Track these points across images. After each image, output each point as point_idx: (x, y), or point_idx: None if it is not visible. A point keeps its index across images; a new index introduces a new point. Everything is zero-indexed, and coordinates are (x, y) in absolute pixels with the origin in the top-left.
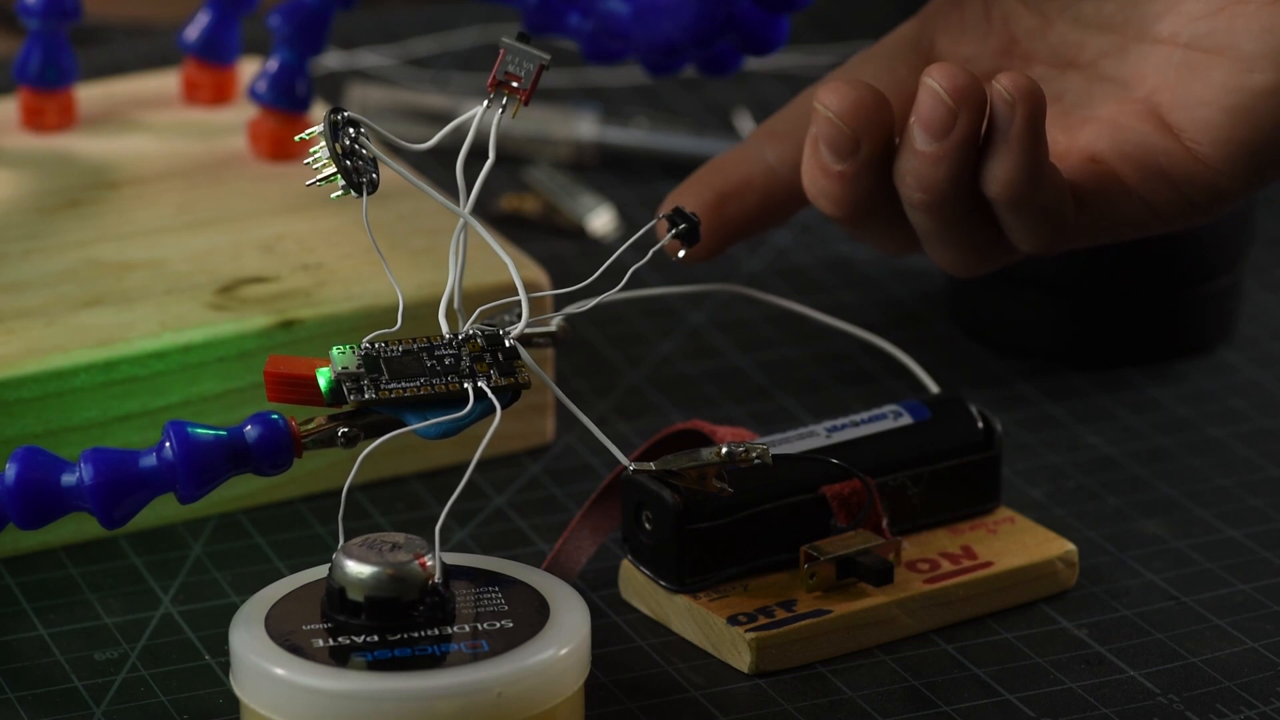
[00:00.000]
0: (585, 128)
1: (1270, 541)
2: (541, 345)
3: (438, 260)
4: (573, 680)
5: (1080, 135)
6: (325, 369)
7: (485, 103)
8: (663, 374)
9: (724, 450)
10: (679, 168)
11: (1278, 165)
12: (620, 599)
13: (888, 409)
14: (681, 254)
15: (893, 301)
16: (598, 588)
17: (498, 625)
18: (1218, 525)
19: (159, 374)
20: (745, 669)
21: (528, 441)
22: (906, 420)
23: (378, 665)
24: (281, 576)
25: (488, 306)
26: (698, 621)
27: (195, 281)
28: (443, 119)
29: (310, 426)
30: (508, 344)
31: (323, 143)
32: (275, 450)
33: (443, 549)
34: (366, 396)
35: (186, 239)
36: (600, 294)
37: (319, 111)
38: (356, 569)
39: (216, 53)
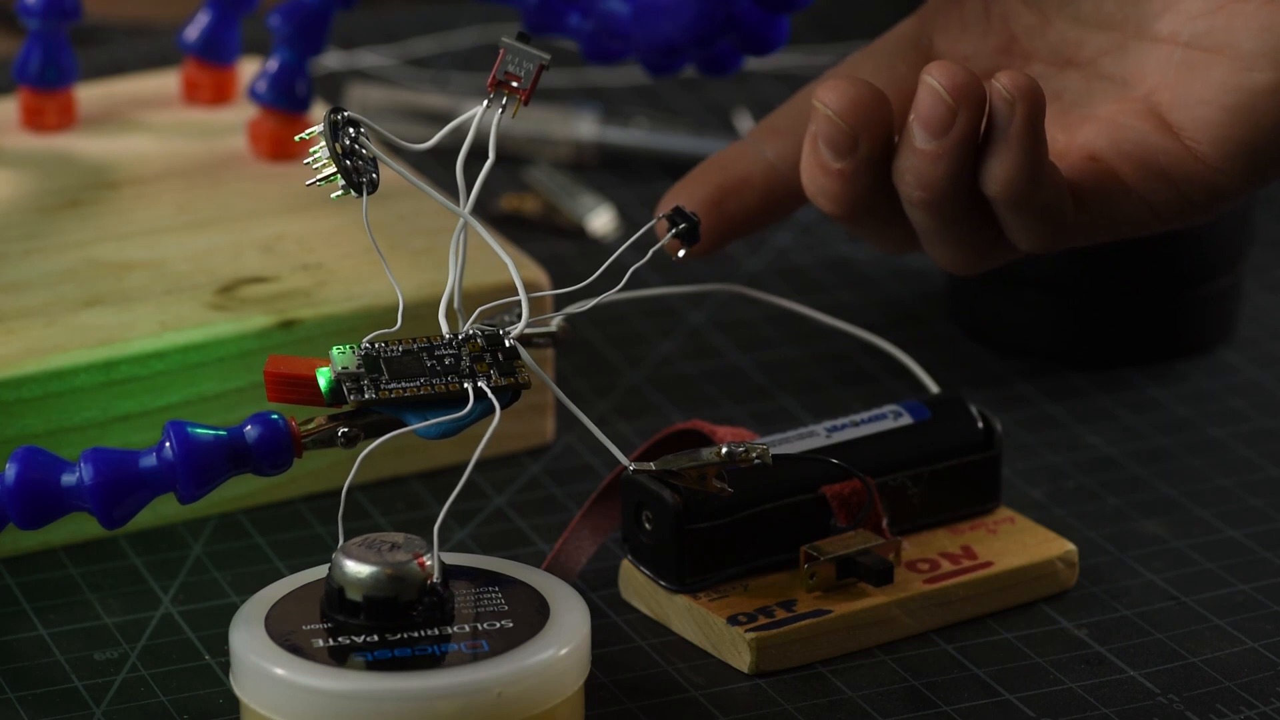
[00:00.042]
0: (585, 128)
1: (1270, 541)
2: (541, 345)
3: (438, 260)
4: (573, 680)
5: (1079, 134)
6: (325, 369)
7: (485, 103)
8: (663, 374)
9: (724, 450)
10: (679, 168)
11: (1277, 164)
12: (620, 599)
13: (888, 409)
14: (681, 254)
15: (893, 301)
16: (598, 588)
17: (498, 625)
18: (1218, 525)
19: (159, 374)
20: (745, 669)
21: (528, 441)
22: (906, 420)
23: (377, 665)
24: (281, 576)
25: (488, 306)
26: (698, 621)
27: (195, 281)
28: (443, 119)
29: (310, 426)
30: (508, 344)
31: (323, 143)
32: (275, 450)
33: (442, 549)
34: (366, 396)
35: (186, 239)
36: (600, 294)
37: (319, 111)
38: (355, 569)
39: (216, 53)
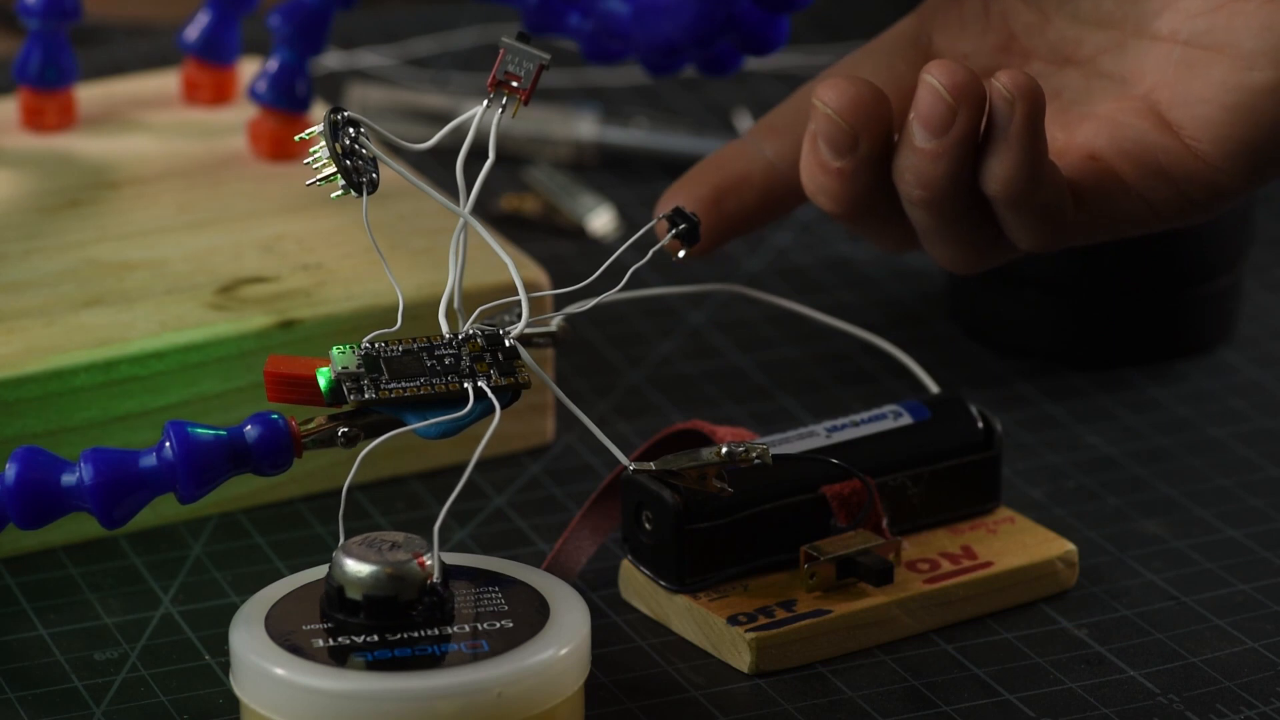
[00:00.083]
0: (585, 128)
1: (1270, 541)
2: (541, 345)
3: (438, 260)
4: (573, 680)
5: (1079, 132)
6: (325, 369)
7: (485, 103)
8: (663, 374)
9: (724, 450)
10: (679, 168)
11: (1277, 163)
12: (620, 599)
13: (888, 409)
14: (681, 254)
15: (893, 301)
16: (598, 588)
17: (498, 625)
18: (1218, 525)
19: (159, 374)
20: (745, 669)
21: (528, 441)
22: (906, 420)
23: (377, 665)
24: (281, 576)
25: (488, 306)
26: (698, 621)
27: (195, 281)
28: (443, 119)
29: (310, 426)
30: (508, 344)
31: (323, 143)
32: (275, 450)
33: (442, 549)
34: (366, 396)
35: (186, 239)
36: (600, 294)
37: (319, 111)
38: (355, 568)
39: (216, 53)
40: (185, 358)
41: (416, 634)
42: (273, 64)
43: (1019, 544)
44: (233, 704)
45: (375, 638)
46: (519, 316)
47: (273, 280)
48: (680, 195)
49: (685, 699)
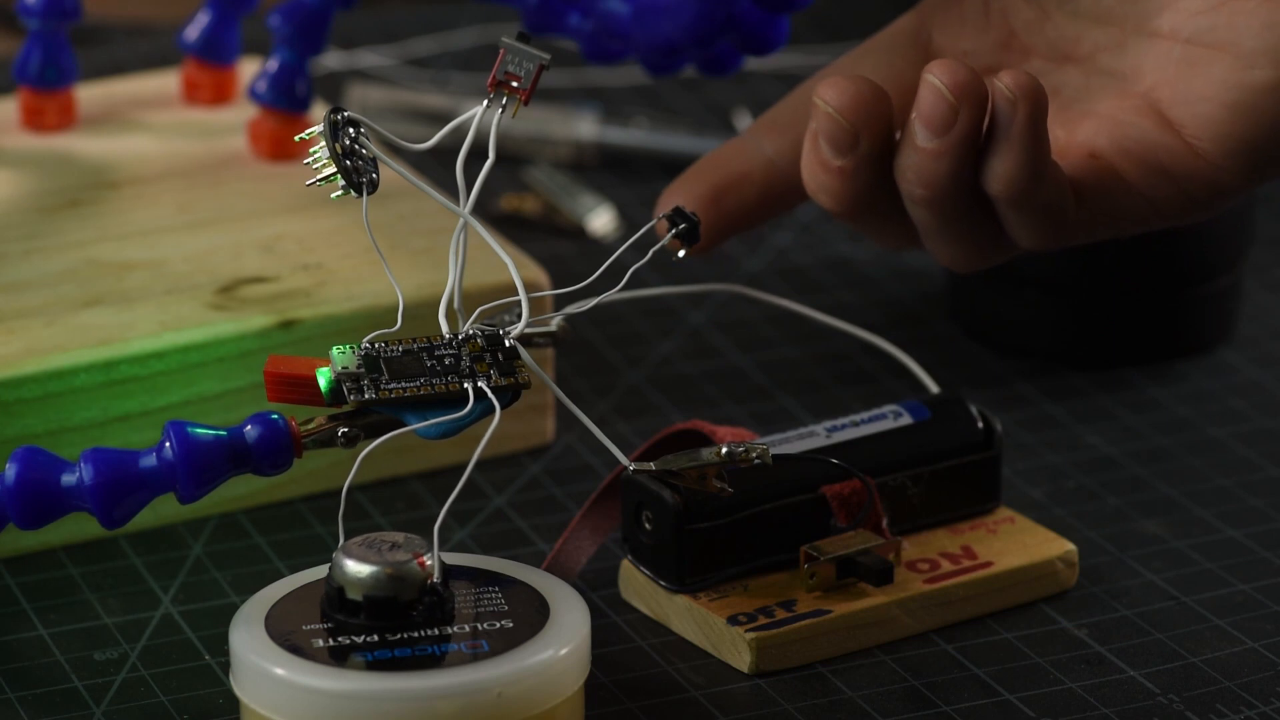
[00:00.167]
0: (585, 128)
1: (1270, 541)
2: (541, 345)
3: (438, 260)
4: (573, 680)
5: (1079, 130)
6: (325, 369)
7: (485, 103)
8: (663, 374)
9: (724, 450)
10: (679, 168)
11: (1278, 161)
12: (620, 599)
13: (888, 409)
14: (681, 254)
15: (893, 301)
16: (598, 588)
17: (498, 625)
18: (1218, 525)
19: (159, 374)
20: (745, 669)
21: (528, 441)
22: (906, 420)
23: (377, 665)
24: (281, 576)
25: (488, 306)
26: (698, 621)
27: (195, 281)
28: (443, 119)
29: (310, 426)
30: (508, 344)
31: (323, 143)
32: (275, 450)
33: (442, 549)
34: (366, 396)
35: (186, 239)
36: (600, 294)
37: (319, 111)
38: (355, 568)
39: (216, 53)
40: (185, 358)
41: (416, 634)
42: (273, 64)
43: (1019, 544)
44: (233, 704)
45: (375, 638)
46: (519, 316)
47: (273, 280)
48: (680, 193)
49: (685, 699)
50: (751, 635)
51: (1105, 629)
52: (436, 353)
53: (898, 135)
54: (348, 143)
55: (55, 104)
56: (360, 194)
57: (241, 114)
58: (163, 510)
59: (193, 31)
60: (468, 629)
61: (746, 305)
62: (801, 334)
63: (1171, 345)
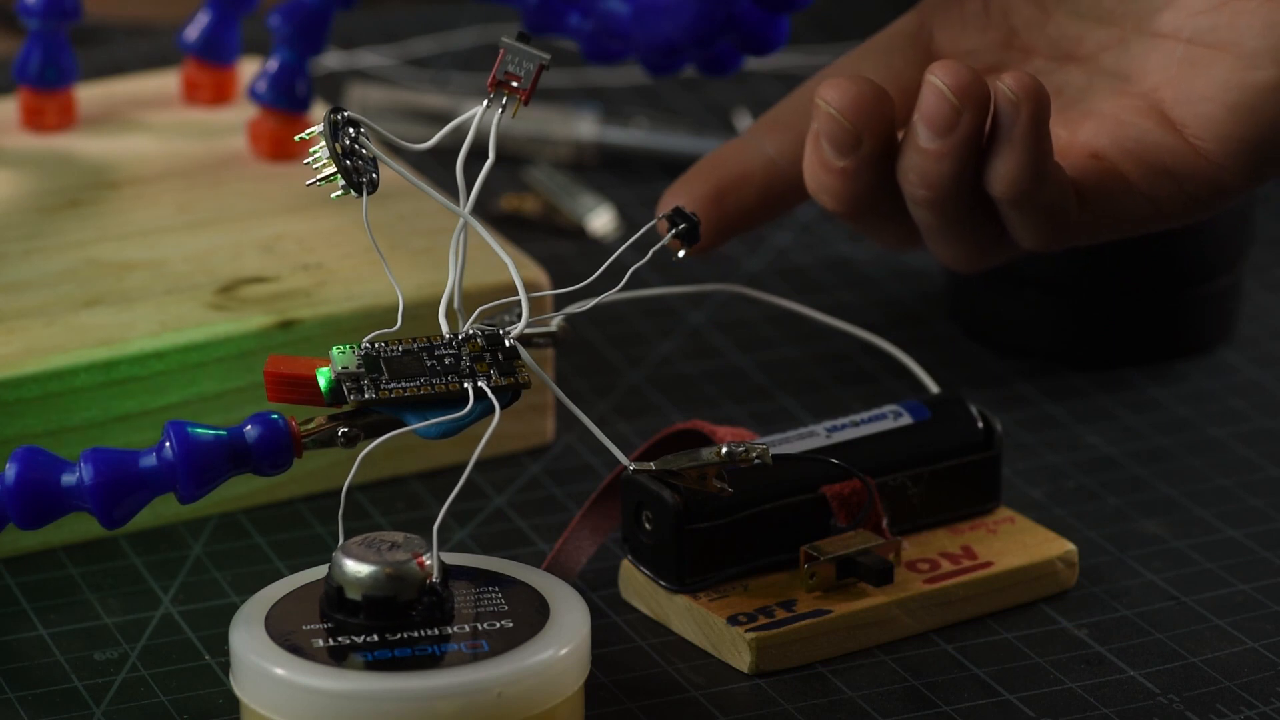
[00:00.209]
0: (585, 128)
1: (1270, 541)
2: (541, 345)
3: (438, 260)
4: (573, 680)
5: (1081, 130)
6: (325, 369)
7: (485, 103)
8: (663, 374)
9: (724, 450)
10: (679, 168)
11: (1279, 161)
12: (620, 599)
13: (888, 409)
14: (681, 254)
15: (893, 301)
16: (598, 588)
17: (498, 625)
18: (1218, 525)
19: (159, 374)
20: (745, 669)
21: (528, 441)
22: (906, 420)
23: (377, 665)
24: (281, 576)
25: (488, 306)
26: (698, 621)
27: (195, 281)
28: (443, 119)
29: (310, 426)
30: (508, 344)
31: (323, 143)
32: (275, 450)
33: (442, 549)
34: (366, 396)
35: (186, 239)
36: (600, 294)
37: (319, 111)
38: (355, 568)
39: (216, 53)
40: (185, 358)
41: (416, 634)
42: (273, 64)
43: (1019, 544)
44: (233, 704)
45: (375, 638)
46: (519, 316)
47: (273, 280)
48: (681, 193)
49: (685, 699)
50: (751, 635)
51: (1105, 629)
52: (436, 353)
53: (900, 136)
54: (348, 143)
55: (55, 104)
56: (360, 194)
57: (241, 114)
58: (163, 510)
59: (193, 31)
60: (468, 629)
61: (746, 305)
62: (801, 334)
63: (1171, 345)
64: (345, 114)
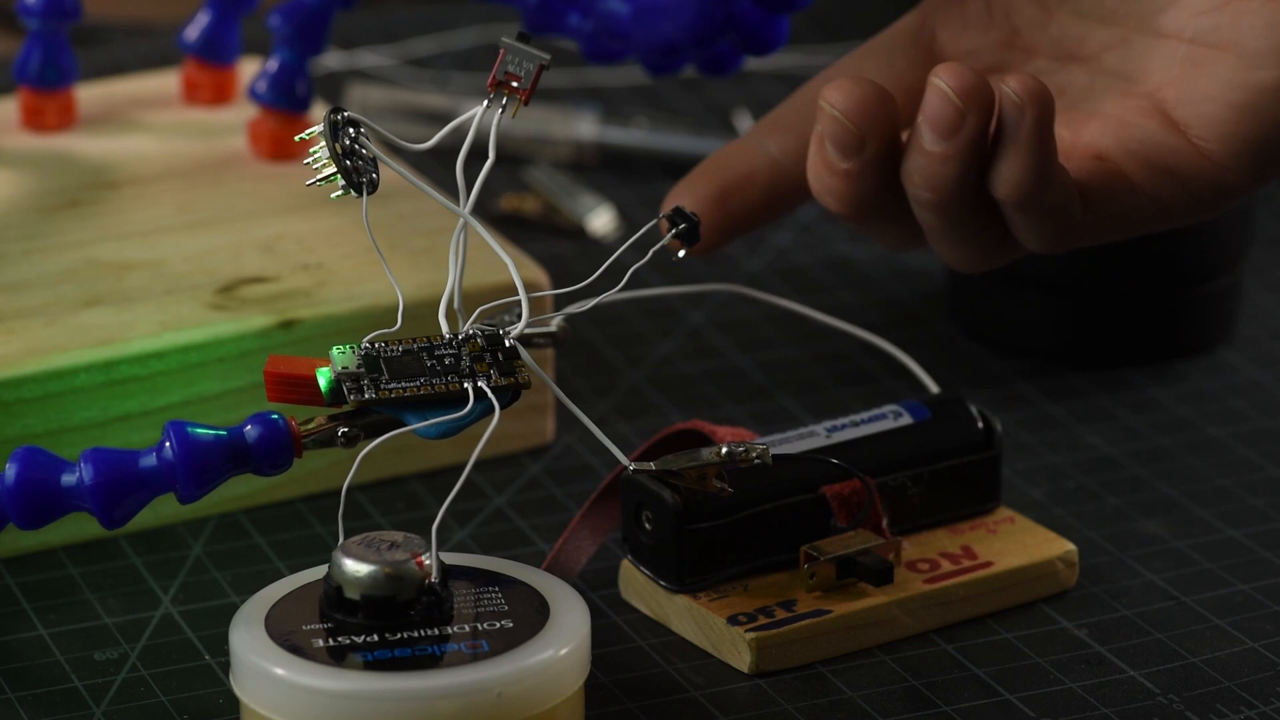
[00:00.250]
0: (585, 128)
1: (1270, 541)
2: (541, 345)
3: (438, 260)
4: (573, 680)
5: (1084, 131)
6: (325, 369)
7: (485, 103)
8: (663, 374)
9: (724, 450)
10: (679, 168)
11: None
12: (620, 599)
13: (888, 409)
14: (682, 254)
15: (893, 301)
16: (598, 588)
17: (497, 625)
18: (1218, 525)
19: (159, 374)
20: (745, 669)
21: (528, 441)
22: (906, 420)
23: (377, 665)
24: (281, 576)
25: (488, 306)
26: (698, 621)
27: (195, 281)
28: (443, 119)
29: (310, 426)
30: (508, 344)
31: (323, 143)
32: (275, 450)
33: (442, 549)
34: (366, 396)
35: (186, 239)
36: (600, 294)
37: (319, 111)
38: (354, 567)
39: (216, 53)
40: (185, 358)
41: (416, 634)
42: (273, 64)
43: (1019, 544)
44: (233, 704)
45: (375, 637)
46: (519, 316)
47: (273, 280)
48: (685, 194)
49: (685, 699)
50: (751, 635)
51: (1105, 629)
52: (436, 353)
53: (904, 137)
54: (348, 143)
55: (55, 104)
56: (360, 194)
57: (241, 114)
58: (163, 510)
59: (193, 31)
60: (467, 629)
61: (746, 305)
62: (801, 334)
63: (1171, 345)
64: (345, 114)
